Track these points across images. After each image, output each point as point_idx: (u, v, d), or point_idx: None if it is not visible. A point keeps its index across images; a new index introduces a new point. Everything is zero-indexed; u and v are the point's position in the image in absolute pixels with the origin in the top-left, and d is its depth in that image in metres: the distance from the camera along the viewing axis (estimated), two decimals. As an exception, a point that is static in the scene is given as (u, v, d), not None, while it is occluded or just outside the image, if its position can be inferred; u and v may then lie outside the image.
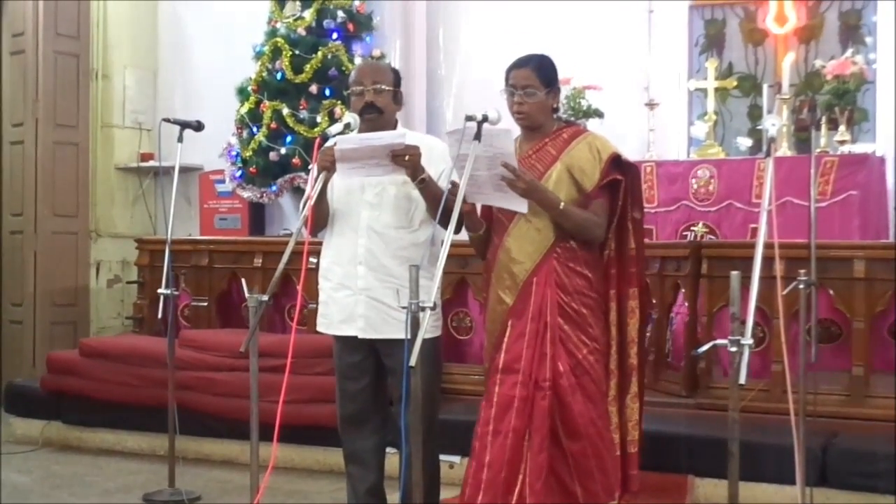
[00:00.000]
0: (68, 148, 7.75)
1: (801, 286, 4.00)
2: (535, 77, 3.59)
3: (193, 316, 6.67)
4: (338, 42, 7.26)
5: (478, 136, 3.30)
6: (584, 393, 3.54)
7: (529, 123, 3.65)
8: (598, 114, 7.01)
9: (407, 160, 3.56)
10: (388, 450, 4.10)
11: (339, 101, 7.08)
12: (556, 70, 3.69)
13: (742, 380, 2.84)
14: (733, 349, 2.90)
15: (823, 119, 6.48)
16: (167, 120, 5.11)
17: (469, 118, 3.33)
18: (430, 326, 3.40)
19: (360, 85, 3.83)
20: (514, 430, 3.49)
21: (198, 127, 5.12)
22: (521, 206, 3.51)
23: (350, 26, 7.35)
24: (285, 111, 7.19)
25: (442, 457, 4.07)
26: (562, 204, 3.51)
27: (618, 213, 3.65)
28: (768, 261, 3.08)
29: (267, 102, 7.29)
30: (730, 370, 2.96)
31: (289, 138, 7.19)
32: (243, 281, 3.84)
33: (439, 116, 8.06)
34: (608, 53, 7.43)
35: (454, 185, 3.32)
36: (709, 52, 7.66)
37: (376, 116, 3.80)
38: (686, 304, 5.44)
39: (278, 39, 7.30)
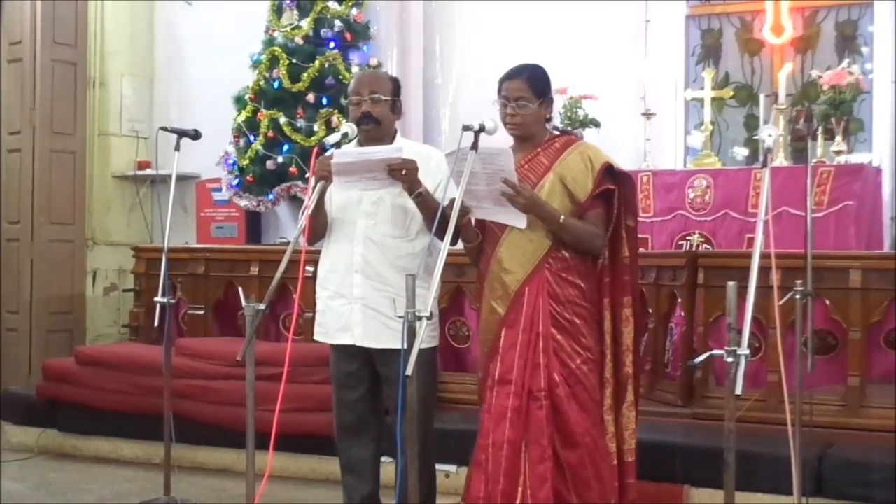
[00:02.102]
0: (65, 156, 7.74)
1: (798, 296, 4.01)
2: (527, 88, 3.60)
3: (190, 324, 6.66)
4: (335, 51, 7.27)
5: (475, 146, 3.30)
6: (578, 402, 3.53)
7: (522, 134, 3.65)
8: (595, 123, 7.00)
9: (404, 174, 3.57)
10: (383, 459, 4.10)
11: (336, 110, 7.10)
12: (549, 80, 3.69)
13: (738, 390, 2.84)
14: (729, 359, 2.90)
15: (820, 129, 6.47)
16: (164, 128, 5.10)
17: (466, 127, 3.34)
18: (426, 336, 3.41)
19: (357, 95, 3.83)
20: (508, 441, 3.48)
21: (195, 135, 5.10)
22: (520, 221, 3.51)
23: (347, 35, 7.37)
24: (282, 120, 7.20)
25: (438, 466, 4.07)
26: (562, 217, 3.51)
27: (613, 223, 3.66)
28: (765, 271, 3.08)
29: (264, 111, 7.29)
30: (726, 380, 2.95)
31: (286, 147, 7.19)
32: (240, 289, 3.83)
33: (436, 125, 8.04)
34: (604, 63, 7.43)
35: (452, 201, 3.31)
36: (705, 62, 7.67)
37: (373, 126, 3.80)
38: (683, 313, 5.44)
39: (275, 48, 7.31)
